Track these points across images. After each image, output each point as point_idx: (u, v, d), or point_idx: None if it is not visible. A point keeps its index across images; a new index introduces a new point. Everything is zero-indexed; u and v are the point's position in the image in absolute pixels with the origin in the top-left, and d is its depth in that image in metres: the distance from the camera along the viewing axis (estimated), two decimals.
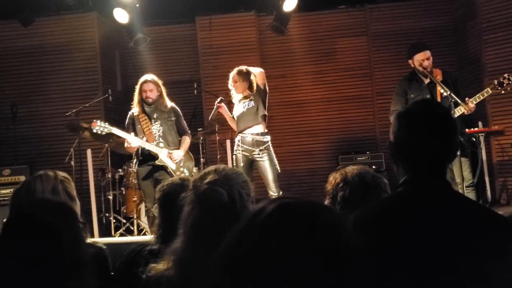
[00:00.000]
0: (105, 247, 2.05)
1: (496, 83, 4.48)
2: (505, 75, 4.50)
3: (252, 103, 5.00)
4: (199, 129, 6.52)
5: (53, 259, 1.19)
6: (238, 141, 5.04)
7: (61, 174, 2.18)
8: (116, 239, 5.47)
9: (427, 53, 4.63)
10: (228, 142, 6.28)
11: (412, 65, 4.70)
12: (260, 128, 5.01)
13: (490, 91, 4.46)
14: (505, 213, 1.53)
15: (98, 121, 4.93)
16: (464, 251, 1.33)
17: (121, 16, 6.25)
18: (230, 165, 5.76)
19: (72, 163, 5.95)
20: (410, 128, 1.51)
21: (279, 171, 5.07)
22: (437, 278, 1.32)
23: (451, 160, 1.56)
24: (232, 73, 5.08)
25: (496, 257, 1.33)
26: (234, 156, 5.10)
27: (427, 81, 4.64)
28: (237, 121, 5.08)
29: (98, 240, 5.18)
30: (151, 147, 4.90)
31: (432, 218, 1.41)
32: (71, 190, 2.15)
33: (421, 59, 4.60)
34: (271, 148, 5.04)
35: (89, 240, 2.03)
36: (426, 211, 1.42)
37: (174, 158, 4.94)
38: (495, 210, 1.72)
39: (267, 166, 4.93)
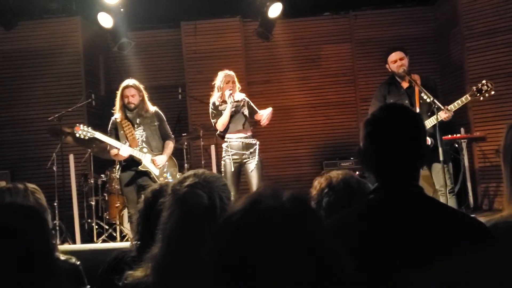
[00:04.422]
0: (78, 262, 2.03)
1: (475, 89, 4.51)
2: (484, 81, 4.52)
3: (244, 110, 5.02)
4: (183, 134, 6.48)
5: (24, 265, 1.15)
6: (227, 146, 4.99)
7: (31, 185, 2.15)
8: (98, 245, 5.40)
9: (400, 53, 4.66)
10: (212, 147, 6.26)
11: (389, 69, 4.74)
12: (248, 132, 5.03)
13: (469, 98, 4.49)
14: (487, 221, 1.53)
15: (81, 125, 4.88)
16: (436, 256, 1.33)
17: (105, 20, 6.20)
18: (214, 171, 5.74)
19: (54, 168, 5.86)
20: (376, 136, 1.49)
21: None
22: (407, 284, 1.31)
23: (422, 165, 1.55)
24: (230, 72, 5.05)
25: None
26: (222, 163, 5.05)
27: (405, 85, 4.67)
28: (228, 123, 5.00)
29: (79, 247, 5.11)
30: (134, 152, 4.86)
31: (403, 224, 1.40)
32: (42, 201, 2.12)
33: (393, 60, 4.64)
34: (258, 150, 5.05)
35: (62, 257, 1.99)
36: (397, 217, 1.42)
37: (157, 164, 4.90)
38: (470, 215, 1.73)
39: (254, 169, 4.91)
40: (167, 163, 5.03)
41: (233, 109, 4.98)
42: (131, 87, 4.93)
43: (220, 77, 5.04)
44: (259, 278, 0.82)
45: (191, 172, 1.53)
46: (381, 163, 1.49)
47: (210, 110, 5.09)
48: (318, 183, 2.19)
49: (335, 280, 0.85)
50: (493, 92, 4.49)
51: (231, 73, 5.06)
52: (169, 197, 1.47)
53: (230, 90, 4.93)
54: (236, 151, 4.94)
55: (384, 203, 1.46)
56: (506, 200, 1.55)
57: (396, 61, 4.63)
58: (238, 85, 5.10)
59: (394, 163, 1.47)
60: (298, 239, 0.84)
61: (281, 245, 0.83)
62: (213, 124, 5.09)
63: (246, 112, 5.06)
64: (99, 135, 4.86)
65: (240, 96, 5.11)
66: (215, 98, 5.07)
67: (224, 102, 4.98)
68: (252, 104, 5.15)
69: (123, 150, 4.78)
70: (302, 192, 0.92)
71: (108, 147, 5.00)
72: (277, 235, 0.84)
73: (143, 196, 1.97)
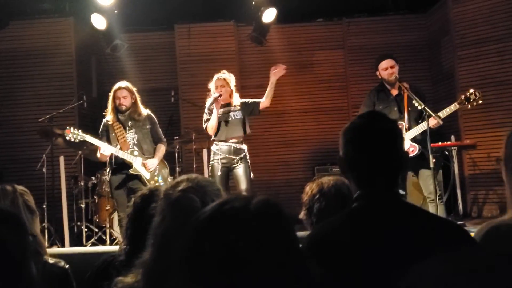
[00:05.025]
0: (67, 266, 2.01)
1: (463, 98, 4.56)
2: (471, 90, 4.56)
3: (239, 113, 5.00)
4: (175, 138, 6.46)
5: None
6: (216, 149, 4.97)
7: (20, 187, 2.13)
8: (88, 248, 5.35)
9: (390, 61, 4.68)
10: (204, 151, 6.25)
11: (379, 76, 4.76)
12: (239, 138, 5.01)
13: (458, 106, 4.53)
14: (488, 223, 1.53)
15: (72, 128, 4.84)
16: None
17: (98, 21, 6.16)
18: (206, 174, 5.72)
19: (44, 170, 5.81)
20: (354, 144, 1.50)
21: (252, 177, 5.04)
22: None
23: (402, 172, 1.56)
24: (221, 76, 5.03)
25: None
26: (210, 166, 5.03)
27: (395, 93, 4.70)
28: (218, 128, 4.98)
29: (68, 250, 5.07)
30: (125, 155, 4.83)
31: (385, 232, 1.40)
32: (31, 203, 2.10)
33: (384, 67, 4.67)
34: (248, 157, 5.03)
35: (51, 260, 1.97)
36: (378, 226, 1.42)
37: (148, 167, 4.87)
38: (451, 220, 1.73)
39: (243, 174, 4.89)
40: (158, 166, 5.00)
41: (220, 115, 4.94)
42: (123, 89, 4.91)
43: (212, 81, 5.04)
44: (224, 274, 0.84)
45: (184, 176, 1.52)
46: (360, 171, 1.50)
47: (204, 114, 5.06)
48: (310, 188, 2.19)
49: (300, 283, 0.86)
50: (480, 101, 4.53)
51: (223, 76, 5.02)
52: (162, 201, 1.45)
53: (218, 93, 4.89)
54: (226, 155, 4.92)
55: (365, 212, 1.47)
56: (509, 205, 1.56)
57: (387, 68, 4.66)
58: (232, 88, 5.06)
59: (373, 170, 1.47)
60: (263, 239, 0.86)
61: (245, 244, 0.85)
62: (204, 128, 5.08)
63: (240, 116, 5.02)
64: (89, 138, 4.82)
65: (237, 100, 5.07)
66: (209, 102, 5.05)
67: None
68: (251, 100, 5.12)
69: (104, 148, 4.75)
70: (275, 198, 0.94)
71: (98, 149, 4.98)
72: (240, 233, 0.86)
73: (132, 200, 1.96)
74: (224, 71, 5.09)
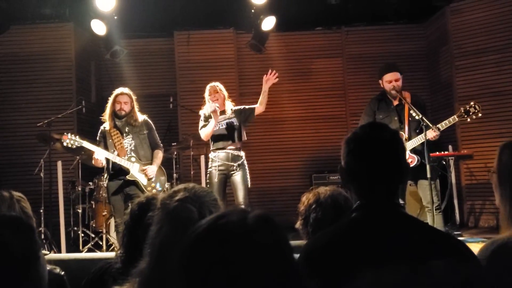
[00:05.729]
0: (63, 273, 2.01)
1: (462, 111, 4.56)
2: (471, 103, 4.57)
3: (235, 120, 5.03)
4: (173, 144, 6.47)
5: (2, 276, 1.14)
6: (214, 156, 4.98)
7: (17, 193, 2.14)
8: (84, 254, 5.34)
9: (396, 74, 4.67)
10: (202, 157, 6.25)
11: (382, 86, 4.77)
12: (236, 145, 5.02)
13: (457, 119, 4.54)
14: (494, 241, 1.53)
15: (69, 134, 4.85)
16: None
17: (98, 27, 6.19)
18: (204, 181, 5.73)
19: (42, 174, 5.81)
20: (357, 154, 1.51)
21: (249, 186, 5.05)
22: None
23: (402, 183, 1.57)
24: (213, 84, 5.09)
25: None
26: (208, 173, 5.04)
27: (395, 103, 4.71)
28: (215, 136, 5.01)
29: (63, 256, 5.05)
30: (122, 161, 4.83)
31: (383, 244, 1.41)
32: (28, 210, 2.11)
33: (389, 80, 4.67)
34: (246, 164, 5.05)
35: (47, 267, 1.97)
36: (377, 237, 1.43)
37: (149, 175, 4.89)
38: (450, 233, 1.74)
39: (241, 181, 4.90)
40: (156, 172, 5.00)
41: (222, 122, 4.98)
42: (125, 95, 4.95)
43: (206, 90, 5.11)
44: (220, 285, 0.85)
45: (181, 186, 1.51)
46: (361, 181, 1.50)
47: (200, 121, 5.10)
48: (306, 198, 2.20)
49: None
50: (480, 115, 4.54)
51: (214, 83, 5.10)
52: (159, 211, 1.45)
53: (215, 104, 4.91)
54: (223, 162, 4.94)
55: (363, 223, 1.47)
56: (505, 222, 1.55)
57: (391, 81, 4.64)
58: (224, 93, 5.10)
59: (374, 181, 1.48)
60: (258, 254, 0.88)
61: (240, 258, 0.87)
62: (200, 133, 5.11)
63: (236, 123, 5.05)
64: (86, 144, 4.83)
65: (229, 106, 5.11)
66: (205, 109, 5.09)
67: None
68: (246, 107, 5.15)
69: (98, 152, 4.77)
70: (269, 212, 0.95)
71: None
72: (236, 247, 0.88)
73: (129, 208, 1.96)
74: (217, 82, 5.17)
